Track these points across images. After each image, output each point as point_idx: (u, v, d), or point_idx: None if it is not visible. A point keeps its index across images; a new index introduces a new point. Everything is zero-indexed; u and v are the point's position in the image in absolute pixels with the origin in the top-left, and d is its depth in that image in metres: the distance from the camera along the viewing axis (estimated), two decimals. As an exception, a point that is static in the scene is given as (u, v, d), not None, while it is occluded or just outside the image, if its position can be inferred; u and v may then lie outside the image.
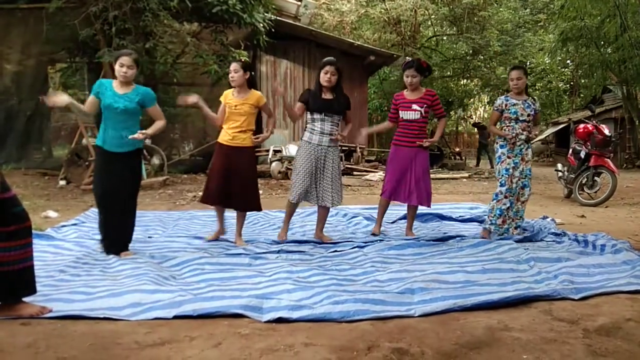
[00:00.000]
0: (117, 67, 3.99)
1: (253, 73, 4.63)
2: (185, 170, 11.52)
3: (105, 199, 4.00)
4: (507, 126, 4.92)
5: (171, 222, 5.80)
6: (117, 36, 8.82)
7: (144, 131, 4.01)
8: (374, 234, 4.99)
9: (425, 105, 4.81)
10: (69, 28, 9.34)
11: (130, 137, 3.93)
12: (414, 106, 4.80)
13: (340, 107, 4.66)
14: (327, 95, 4.63)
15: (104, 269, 3.71)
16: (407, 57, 5.10)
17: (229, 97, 4.53)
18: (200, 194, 8.43)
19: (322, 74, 4.59)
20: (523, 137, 4.85)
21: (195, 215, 6.32)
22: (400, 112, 4.86)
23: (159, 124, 4.17)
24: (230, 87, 4.62)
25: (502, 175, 4.89)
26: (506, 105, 4.90)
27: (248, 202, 4.61)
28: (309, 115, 4.69)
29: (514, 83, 4.87)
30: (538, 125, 5.32)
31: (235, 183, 4.49)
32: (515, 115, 4.85)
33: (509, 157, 4.88)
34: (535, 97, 5.02)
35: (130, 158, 4.05)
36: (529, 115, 4.83)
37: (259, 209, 4.72)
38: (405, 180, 4.87)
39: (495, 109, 4.99)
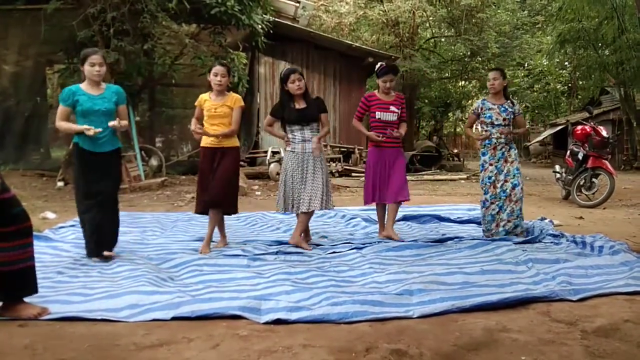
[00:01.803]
0: (87, 67, 3.91)
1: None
2: (183, 171, 11.50)
3: (89, 199, 3.96)
4: (484, 131, 4.98)
5: (169, 224, 5.79)
6: (115, 37, 8.81)
7: (123, 121, 3.98)
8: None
9: (400, 108, 4.88)
10: (67, 29, 9.32)
11: (110, 124, 3.87)
12: (392, 107, 4.85)
13: (314, 114, 4.60)
14: (300, 105, 4.59)
15: (102, 271, 3.70)
16: (387, 61, 5.06)
17: (207, 101, 4.43)
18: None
19: (289, 85, 4.52)
20: (503, 140, 4.91)
21: (194, 216, 6.28)
22: (377, 113, 4.84)
23: (125, 122, 4.08)
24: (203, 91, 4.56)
25: (485, 184, 4.98)
26: (482, 109, 4.96)
27: (224, 201, 4.42)
28: (287, 127, 4.66)
29: (490, 83, 4.98)
30: (523, 127, 5.35)
31: (215, 178, 4.36)
32: (490, 120, 4.92)
33: (490, 165, 4.94)
34: (514, 101, 5.08)
35: (111, 157, 4.05)
36: (504, 119, 4.88)
37: (232, 212, 4.57)
38: (392, 180, 4.86)
39: (472, 112, 5.10)
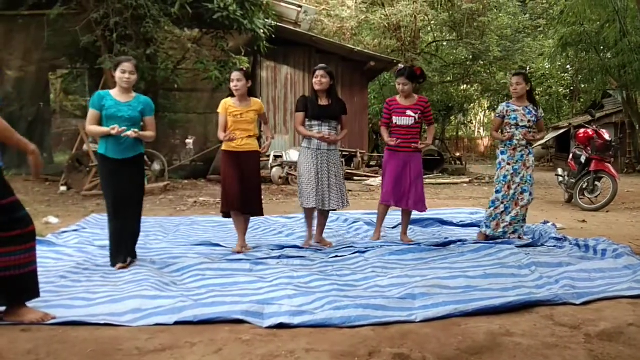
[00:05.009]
0: (118, 73, 3.99)
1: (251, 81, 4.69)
2: (186, 175, 11.52)
3: (118, 206, 3.97)
4: (507, 132, 4.95)
5: (172, 228, 5.80)
6: (118, 42, 8.84)
7: (135, 130, 3.98)
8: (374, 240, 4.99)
9: (419, 112, 4.88)
10: (70, 34, 9.36)
11: (124, 133, 3.86)
12: (408, 112, 4.87)
13: (336, 112, 4.73)
14: (323, 102, 4.70)
15: (104, 275, 3.71)
16: (403, 63, 5.11)
17: (231, 107, 4.54)
18: (202, 199, 8.49)
19: (313, 79, 4.69)
20: (524, 142, 4.91)
21: (196, 220, 6.32)
22: (393, 117, 4.89)
23: (150, 133, 4.13)
24: (224, 96, 4.66)
25: (500, 182, 4.94)
26: (507, 111, 4.95)
27: (258, 207, 4.69)
28: (307, 122, 4.73)
29: (513, 88, 4.95)
30: (543, 131, 5.33)
31: (248, 187, 4.56)
32: (515, 122, 4.90)
33: (508, 164, 4.92)
34: (538, 104, 5.10)
35: (135, 164, 4.07)
36: (529, 121, 4.88)
37: (262, 213, 4.79)
38: (401, 184, 4.91)
39: (497, 115, 5.07)
